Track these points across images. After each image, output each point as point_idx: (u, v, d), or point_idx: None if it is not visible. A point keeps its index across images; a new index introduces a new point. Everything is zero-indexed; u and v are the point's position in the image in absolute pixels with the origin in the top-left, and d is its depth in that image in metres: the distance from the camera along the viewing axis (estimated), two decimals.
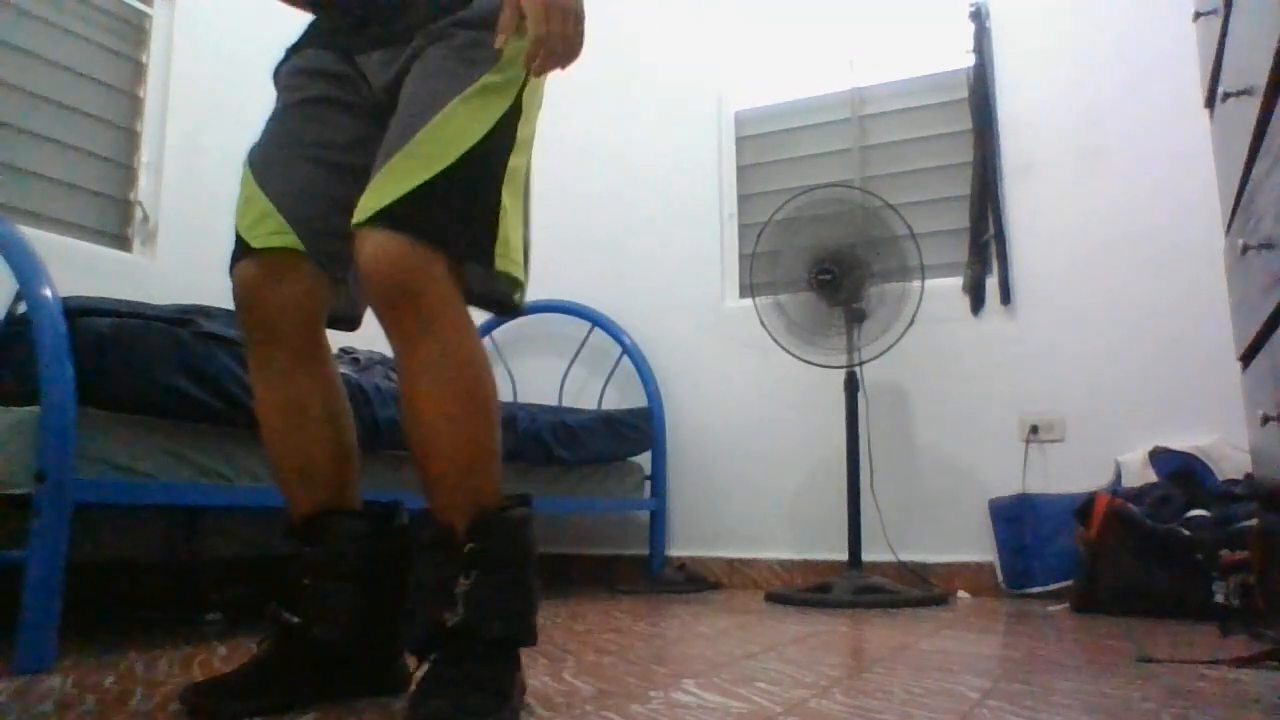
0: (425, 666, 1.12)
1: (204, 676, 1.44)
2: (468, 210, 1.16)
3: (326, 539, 1.25)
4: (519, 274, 1.23)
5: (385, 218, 1.12)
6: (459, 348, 1.15)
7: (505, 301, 1.27)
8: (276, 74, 1.40)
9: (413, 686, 1.14)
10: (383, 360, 2.96)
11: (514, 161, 1.22)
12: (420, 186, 1.13)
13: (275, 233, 1.24)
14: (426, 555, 1.16)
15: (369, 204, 1.14)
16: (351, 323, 1.41)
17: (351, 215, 1.20)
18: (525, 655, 1.67)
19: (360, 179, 1.22)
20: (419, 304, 1.12)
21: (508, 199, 1.20)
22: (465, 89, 1.19)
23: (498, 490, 1.17)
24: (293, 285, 1.26)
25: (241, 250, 1.27)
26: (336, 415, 1.32)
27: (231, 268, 1.29)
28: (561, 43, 1.16)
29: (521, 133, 1.24)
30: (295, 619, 1.22)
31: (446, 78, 1.20)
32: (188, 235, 2.80)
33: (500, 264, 1.18)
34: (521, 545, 1.16)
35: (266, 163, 1.29)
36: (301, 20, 1.43)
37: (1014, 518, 2.81)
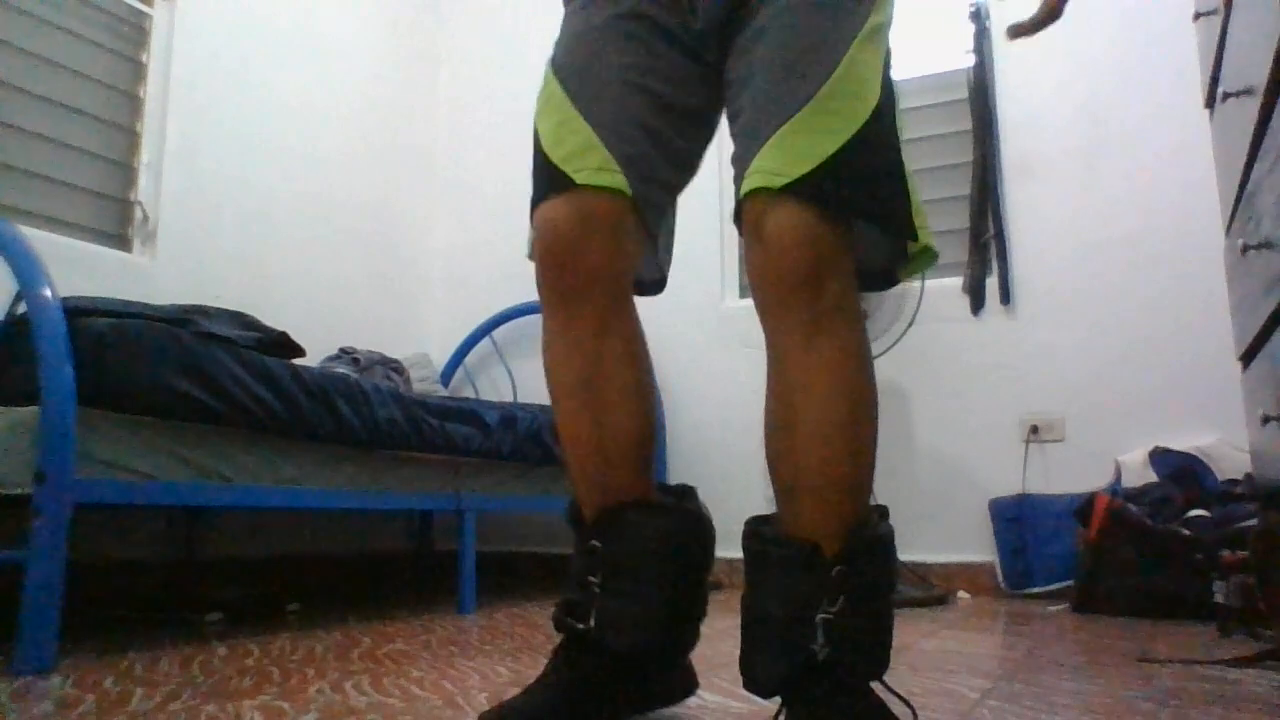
0: (785, 707, 0.97)
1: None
2: (885, 178, 1.00)
3: (624, 536, 1.07)
4: (933, 243, 1.05)
5: (805, 188, 0.94)
6: (858, 344, 1.01)
7: (888, 275, 1.10)
8: None
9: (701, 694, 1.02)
10: (382, 360, 2.96)
11: (898, 116, 1.05)
12: (837, 152, 0.95)
13: (603, 169, 1.03)
14: (780, 578, 0.98)
15: (780, 168, 0.95)
16: (657, 286, 1.23)
17: (670, 164, 1.07)
18: (526, 657, 1.67)
19: (678, 119, 1.08)
20: (826, 291, 0.96)
21: (907, 160, 1.03)
22: (859, 30, 1.00)
23: (869, 506, 1.02)
24: (615, 234, 1.05)
25: (557, 184, 1.05)
26: (645, 389, 1.13)
27: (538, 206, 1.07)
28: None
29: (895, 85, 1.06)
30: (583, 626, 1.05)
31: (835, 13, 1.01)
32: (188, 235, 2.80)
33: (923, 236, 1.02)
34: (890, 568, 1.01)
35: (586, 84, 1.07)
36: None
37: (1014, 518, 2.81)
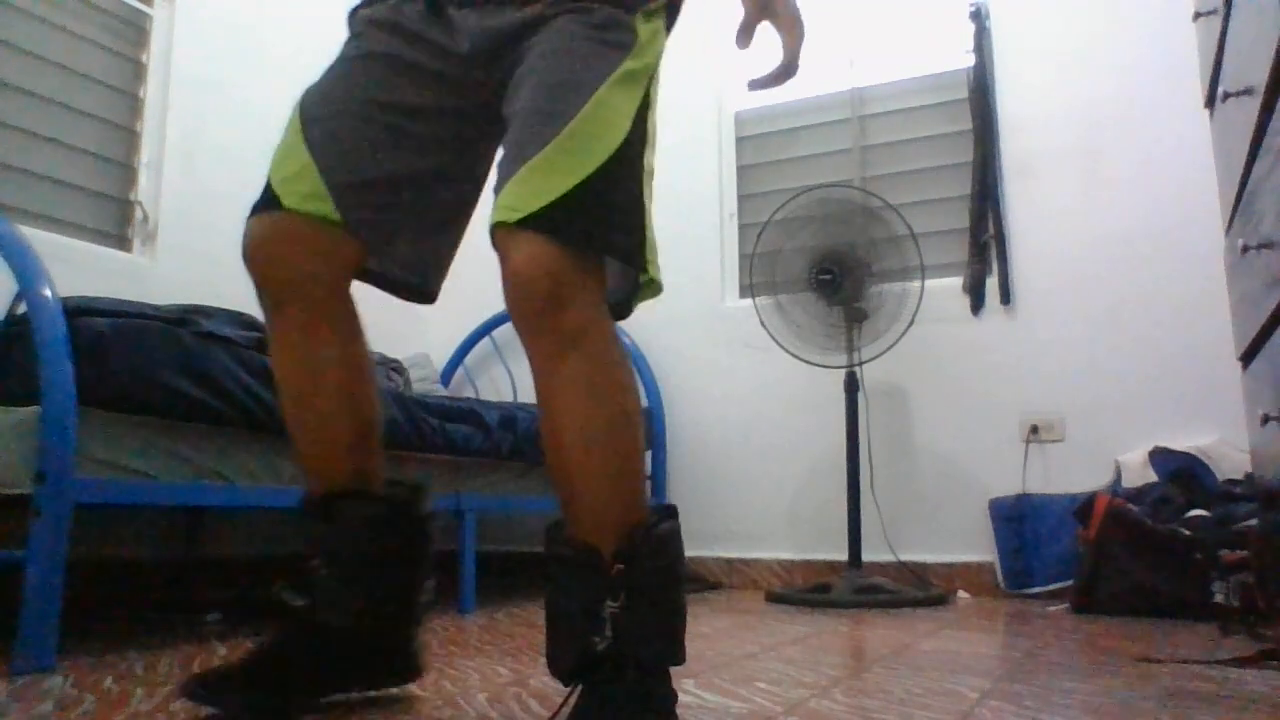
0: (574, 691, 1.05)
1: (227, 660, 1.44)
2: (621, 212, 1.08)
3: (342, 521, 1.19)
4: (659, 277, 1.14)
5: (540, 221, 1.02)
6: (608, 362, 1.08)
7: (624, 305, 1.18)
8: (352, 15, 1.28)
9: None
10: (382, 360, 2.96)
11: (648, 157, 1.14)
12: (575, 188, 1.03)
13: (310, 196, 1.14)
14: (569, 577, 1.07)
15: (518, 203, 1.03)
16: (424, 295, 1.32)
17: (405, 188, 1.14)
18: (526, 656, 1.67)
19: (421, 148, 1.16)
20: (569, 316, 1.04)
21: (647, 199, 1.13)
22: (609, 75, 1.09)
23: (644, 507, 1.09)
24: (314, 257, 1.16)
25: (268, 202, 1.16)
26: (355, 389, 1.23)
27: (251, 216, 1.18)
28: (799, 14, 1.12)
29: (651, 127, 1.16)
30: (300, 602, 1.16)
31: (588, 59, 1.09)
32: (188, 235, 2.80)
33: (651, 269, 1.11)
34: (671, 563, 1.08)
35: (319, 115, 1.18)
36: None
37: (1014, 518, 2.81)
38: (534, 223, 1.02)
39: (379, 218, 1.18)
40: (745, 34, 1.30)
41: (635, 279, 1.14)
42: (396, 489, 1.26)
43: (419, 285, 1.30)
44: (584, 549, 1.05)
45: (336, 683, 1.19)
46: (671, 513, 1.11)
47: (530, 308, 1.04)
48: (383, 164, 1.17)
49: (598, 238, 1.06)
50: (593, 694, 1.02)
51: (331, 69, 1.23)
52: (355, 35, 1.24)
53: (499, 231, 1.05)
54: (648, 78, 1.16)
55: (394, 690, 1.34)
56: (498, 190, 1.08)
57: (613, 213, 1.07)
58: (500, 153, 1.13)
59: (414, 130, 1.19)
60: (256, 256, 1.16)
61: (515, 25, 1.14)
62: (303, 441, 1.22)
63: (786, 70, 1.28)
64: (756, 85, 1.31)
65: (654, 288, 1.15)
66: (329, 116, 1.17)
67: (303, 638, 1.16)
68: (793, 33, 1.25)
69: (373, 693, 1.33)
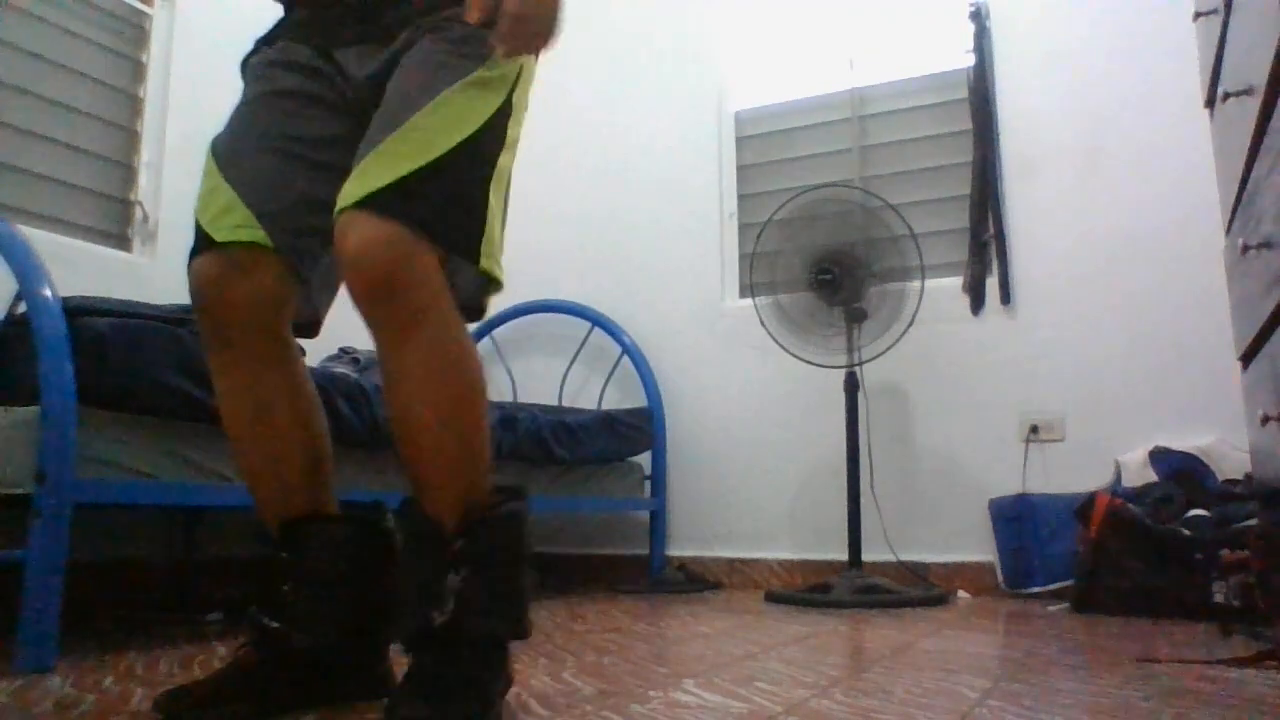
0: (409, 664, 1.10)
1: (202, 677, 1.44)
2: (458, 203, 1.12)
3: (305, 546, 1.22)
4: (500, 274, 1.18)
5: (374, 203, 1.06)
6: (449, 341, 1.11)
7: (473, 305, 1.21)
8: (245, 65, 1.33)
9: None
10: None
11: (502, 160, 1.19)
12: (412, 173, 1.08)
13: (241, 226, 1.17)
14: (414, 550, 1.13)
15: (355, 189, 1.08)
16: (310, 329, 1.34)
17: (321, 212, 1.16)
18: (526, 656, 1.67)
19: (332, 176, 1.18)
20: (408, 295, 1.07)
21: (494, 197, 1.17)
22: (458, 80, 1.15)
23: (487, 486, 1.14)
24: (257, 283, 1.19)
25: (202, 244, 1.19)
26: (307, 417, 1.27)
27: (190, 262, 1.21)
28: (536, 23, 1.06)
29: (511, 133, 1.21)
30: (275, 624, 1.19)
31: (439, 68, 1.16)
32: (188, 235, 2.78)
33: (485, 262, 1.14)
34: (513, 541, 1.13)
35: (233, 154, 1.22)
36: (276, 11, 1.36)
37: (1014, 518, 2.81)
38: (369, 203, 1.06)
39: (302, 243, 1.21)
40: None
41: (479, 282, 1.18)
42: (355, 509, 1.30)
43: (311, 319, 1.33)
44: (427, 522, 1.10)
45: (307, 700, 1.21)
46: (518, 493, 1.16)
47: (370, 289, 1.06)
48: (301, 191, 1.21)
49: (432, 223, 1.09)
50: (421, 669, 1.07)
51: (237, 112, 1.27)
52: (254, 80, 1.28)
53: (339, 219, 1.08)
54: (507, 88, 1.20)
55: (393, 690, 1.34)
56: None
57: (450, 202, 1.11)
58: None
59: (324, 160, 1.23)
60: (205, 296, 1.19)
61: (386, 63, 1.20)
62: (257, 475, 1.24)
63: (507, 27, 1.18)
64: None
65: (494, 285, 1.18)
66: (245, 153, 1.22)
67: (276, 657, 1.18)
68: None
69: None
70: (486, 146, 1.16)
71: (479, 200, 1.14)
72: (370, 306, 1.08)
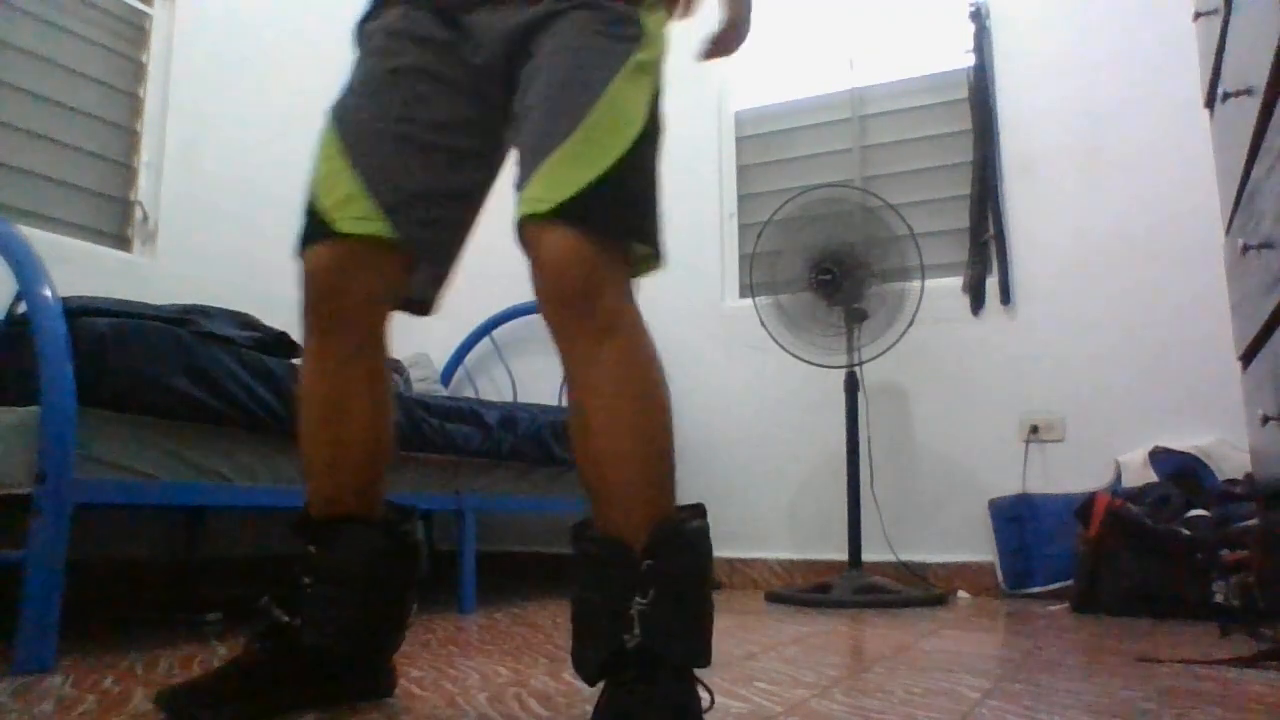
0: (603, 689, 1.03)
1: (204, 673, 1.44)
2: (640, 201, 1.10)
3: (338, 545, 1.19)
4: (664, 252, 1.15)
5: (568, 213, 1.03)
6: (641, 352, 1.08)
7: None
8: (361, 29, 1.27)
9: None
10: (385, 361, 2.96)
11: (659, 144, 1.16)
12: (600, 178, 1.04)
13: (363, 218, 1.13)
14: (596, 574, 1.05)
15: (545, 195, 1.04)
16: (424, 306, 1.32)
17: (444, 202, 1.15)
18: (526, 656, 1.67)
19: (455, 160, 1.17)
20: (602, 306, 1.04)
21: (659, 185, 1.15)
22: (621, 67, 1.11)
23: (674, 502, 1.08)
24: (374, 276, 1.16)
25: (320, 231, 1.15)
26: (381, 414, 1.24)
27: (303, 247, 1.17)
28: (748, 28, 1.12)
29: (661, 115, 1.17)
30: (288, 619, 1.16)
31: (600, 53, 1.11)
32: (188, 235, 2.80)
33: (664, 256, 1.13)
34: (701, 560, 1.07)
35: (357, 137, 1.17)
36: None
37: (1014, 518, 2.81)
38: (563, 214, 1.03)
39: (427, 234, 1.19)
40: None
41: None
42: (391, 513, 1.26)
43: (423, 299, 1.31)
44: (612, 544, 1.04)
45: (308, 699, 1.19)
46: (700, 511, 1.10)
47: (564, 300, 1.04)
48: (425, 180, 1.17)
49: (624, 225, 1.07)
50: (623, 694, 0.99)
51: (357, 88, 1.22)
52: (374, 52, 1.22)
53: (528, 226, 1.05)
54: (657, 69, 1.17)
55: (394, 693, 1.34)
56: (520, 186, 1.09)
57: (636, 201, 1.09)
58: (518, 151, 1.13)
59: (447, 144, 1.19)
60: (320, 286, 1.16)
61: (525, 24, 1.14)
62: (317, 465, 1.21)
63: (732, 34, 1.32)
64: (704, 54, 1.36)
65: (656, 261, 1.15)
66: (368, 137, 1.17)
67: (282, 654, 1.16)
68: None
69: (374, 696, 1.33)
70: (650, 135, 1.13)
71: (655, 193, 1.13)
72: (565, 318, 1.06)
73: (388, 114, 1.18)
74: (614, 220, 1.06)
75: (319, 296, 1.16)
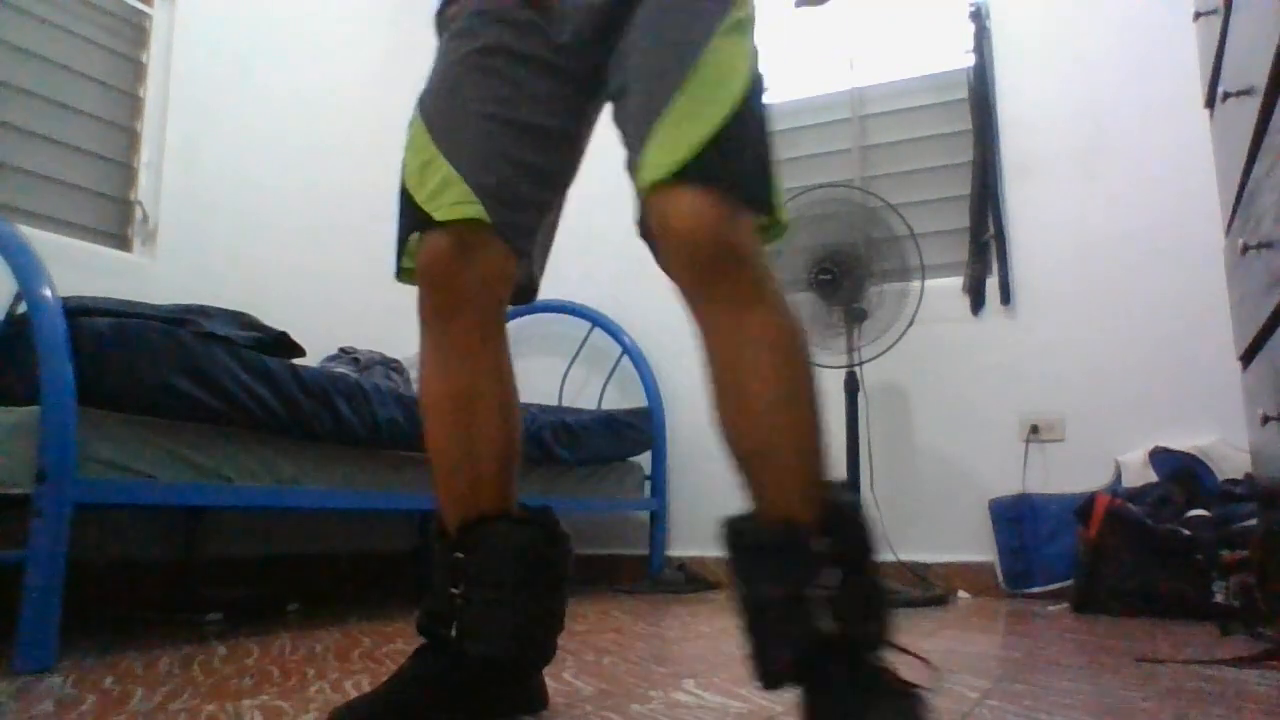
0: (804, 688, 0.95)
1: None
2: (756, 158, 1.04)
3: (488, 547, 1.11)
4: (785, 218, 1.08)
5: (692, 172, 0.97)
6: (787, 316, 1.02)
7: None
8: (441, 14, 1.24)
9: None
10: (383, 360, 2.96)
11: (767, 103, 1.11)
12: (717, 133, 0.99)
13: (460, 203, 1.10)
14: (765, 564, 0.97)
15: (662, 158, 0.99)
16: (529, 293, 1.27)
17: (535, 182, 1.13)
18: None
19: (544, 141, 1.14)
20: (745, 271, 0.98)
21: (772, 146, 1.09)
22: (719, 23, 1.06)
23: (832, 476, 1.02)
24: (483, 261, 1.12)
25: (420, 222, 1.12)
26: (510, 407, 1.19)
27: (404, 238, 1.15)
28: None
29: (762, 75, 1.11)
30: (447, 632, 1.09)
31: (695, 14, 1.07)
32: (188, 235, 2.80)
33: (780, 213, 1.06)
34: (869, 534, 0.98)
35: (446, 123, 1.14)
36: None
37: (1014, 518, 2.81)
38: (686, 174, 0.97)
39: (519, 218, 1.15)
40: None
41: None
42: (536, 511, 1.19)
43: (528, 284, 1.26)
44: (782, 526, 0.95)
45: (468, 716, 1.11)
46: (847, 485, 1.04)
47: (701, 263, 0.98)
48: (515, 160, 1.14)
49: (745, 184, 1.01)
50: (827, 693, 0.92)
51: (442, 73, 1.18)
52: (457, 35, 1.19)
53: (654, 192, 1.00)
54: (753, 28, 1.13)
55: (548, 705, 1.32)
56: (632, 161, 1.05)
57: (750, 158, 1.03)
58: (623, 125, 1.10)
59: (535, 124, 1.15)
60: (434, 275, 1.13)
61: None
62: (450, 466, 1.15)
63: None
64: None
65: (779, 229, 1.08)
66: (457, 122, 1.14)
67: (440, 669, 1.10)
68: None
69: None
70: (757, 91, 1.08)
71: (767, 150, 1.06)
72: (705, 286, 1.00)
73: (473, 95, 1.14)
74: (735, 176, 1.00)
75: (432, 287, 1.13)
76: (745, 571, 1.00)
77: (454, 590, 1.10)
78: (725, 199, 0.98)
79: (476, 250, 1.12)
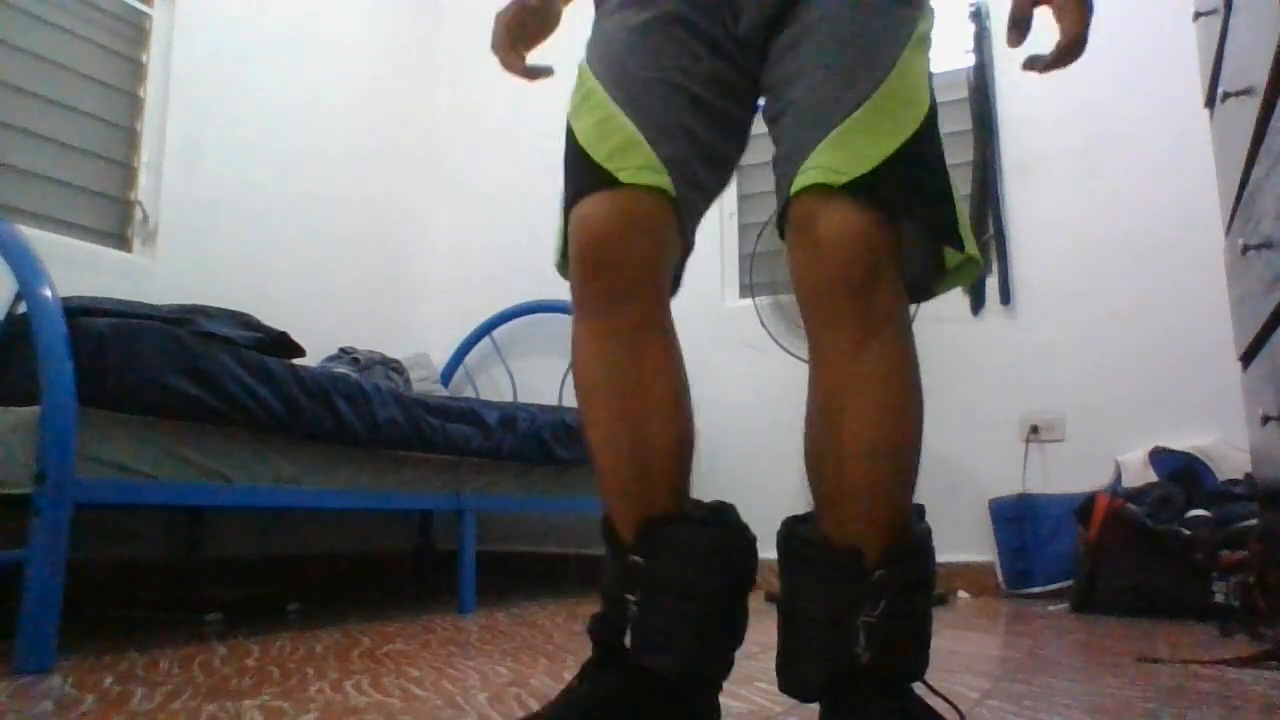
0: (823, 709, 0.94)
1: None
2: (934, 185, 0.98)
3: (668, 551, 1.00)
4: (978, 253, 1.01)
5: (865, 187, 0.91)
6: (907, 355, 0.98)
7: (919, 286, 1.05)
8: None
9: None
10: (383, 360, 2.96)
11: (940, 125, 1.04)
12: (896, 154, 0.93)
13: (646, 168, 0.98)
14: (818, 581, 0.96)
15: (840, 165, 0.92)
16: (677, 285, 1.17)
17: (706, 162, 1.05)
18: (526, 656, 1.67)
19: (721, 123, 1.06)
20: (878, 298, 0.93)
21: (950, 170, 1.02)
22: (908, 36, 1.00)
23: (910, 511, 0.99)
24: (661, 233, 1.01)
25: (599, 181, 0.99)
26: (683, 398, 1.09)
27: (574, 201, 1.02)
28: (1085, 46, 1.05)
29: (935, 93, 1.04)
30: (620, 641, 0.99)
31: (885, 18, 1.00)
32: (188, 235, 2.80)
33: (969, 246, 0.99)
34: (929, 566, 0.98)
35: (624, 81, 1.03)
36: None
37: (1014, 518, 2.81)
38: (857, 188, 0.91)
39: (694, 197, 1.06)
40: (1018, 27, 1.15)
41: (936, 261, 1.03)
42: (714, 509, 1.10)
43: (678, 272, 1.15)
44: (844, 552, 0.94)
45: None
46: (921, 512, 1.01)
47: (841, 286, 0.92)
48: (695, 138, 1.04)
49: (921, 211, 0.95)
50: (848, 712, 0.92)
51: (621, 36, 1.07)
52: (630, 4, 1.08)
53: (810, 197, 0.93)
54: (931, 43, 1.07)
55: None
56: (793, 156, 0.97)
57: (930, 185, 0.97)
58: (785, 113, 1.02)
59: (712, 103, 1.06)
60: (596, 246, 1.00)
61: None
62: (623, 460, 1.04)
63: (1070, 50, 1.14)
64: (1035, 64, 1.18)
65: (973, 267, 1.01)
66: (637, 82, 1.03)
67: (620, 682, 0.99)
68: (1078, 9, 1.12)
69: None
70: (936, 114, 1.01)
71: (947, 177, 1.00)
72: (836, 305, 0.94)
73: (653, 61, 1.04)
74: (907, 202, 0.94)
75: (601, 254, 1.00)
76: (794, 581, 0.98)
77: (629, 597, 0.99)
78: (884, 223, 0.93)
79: (653, 221, 1.00)
